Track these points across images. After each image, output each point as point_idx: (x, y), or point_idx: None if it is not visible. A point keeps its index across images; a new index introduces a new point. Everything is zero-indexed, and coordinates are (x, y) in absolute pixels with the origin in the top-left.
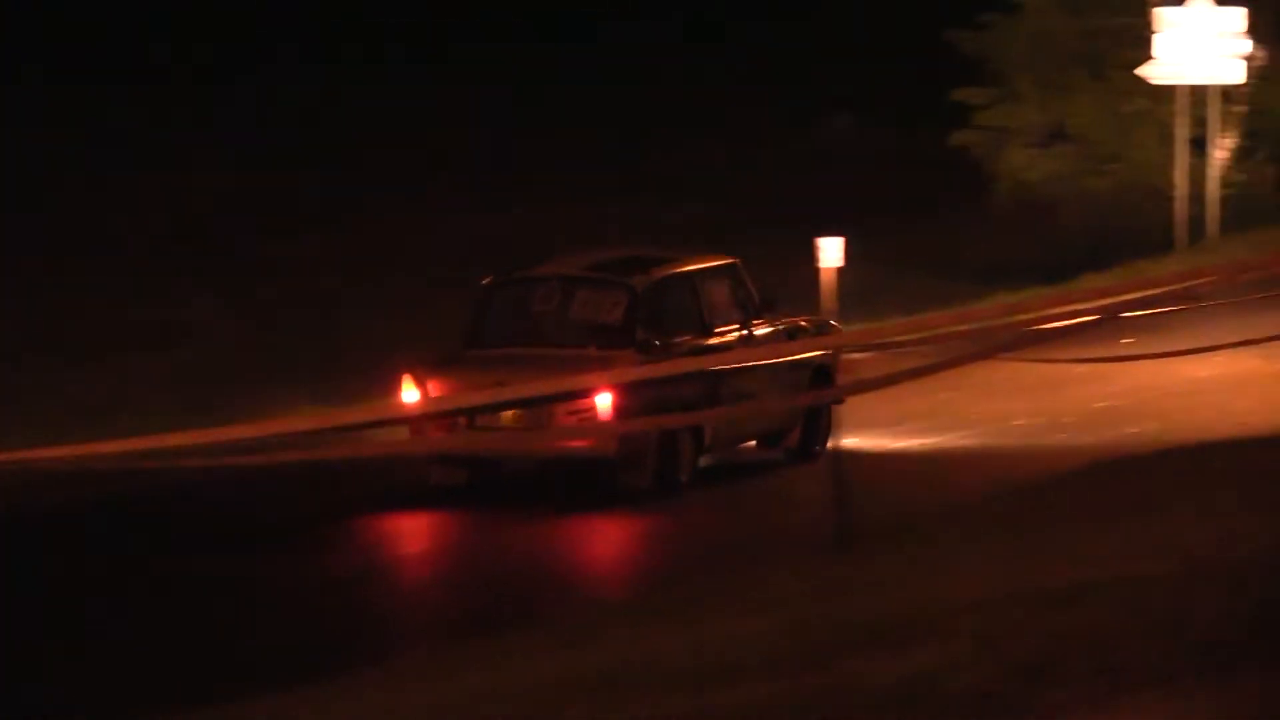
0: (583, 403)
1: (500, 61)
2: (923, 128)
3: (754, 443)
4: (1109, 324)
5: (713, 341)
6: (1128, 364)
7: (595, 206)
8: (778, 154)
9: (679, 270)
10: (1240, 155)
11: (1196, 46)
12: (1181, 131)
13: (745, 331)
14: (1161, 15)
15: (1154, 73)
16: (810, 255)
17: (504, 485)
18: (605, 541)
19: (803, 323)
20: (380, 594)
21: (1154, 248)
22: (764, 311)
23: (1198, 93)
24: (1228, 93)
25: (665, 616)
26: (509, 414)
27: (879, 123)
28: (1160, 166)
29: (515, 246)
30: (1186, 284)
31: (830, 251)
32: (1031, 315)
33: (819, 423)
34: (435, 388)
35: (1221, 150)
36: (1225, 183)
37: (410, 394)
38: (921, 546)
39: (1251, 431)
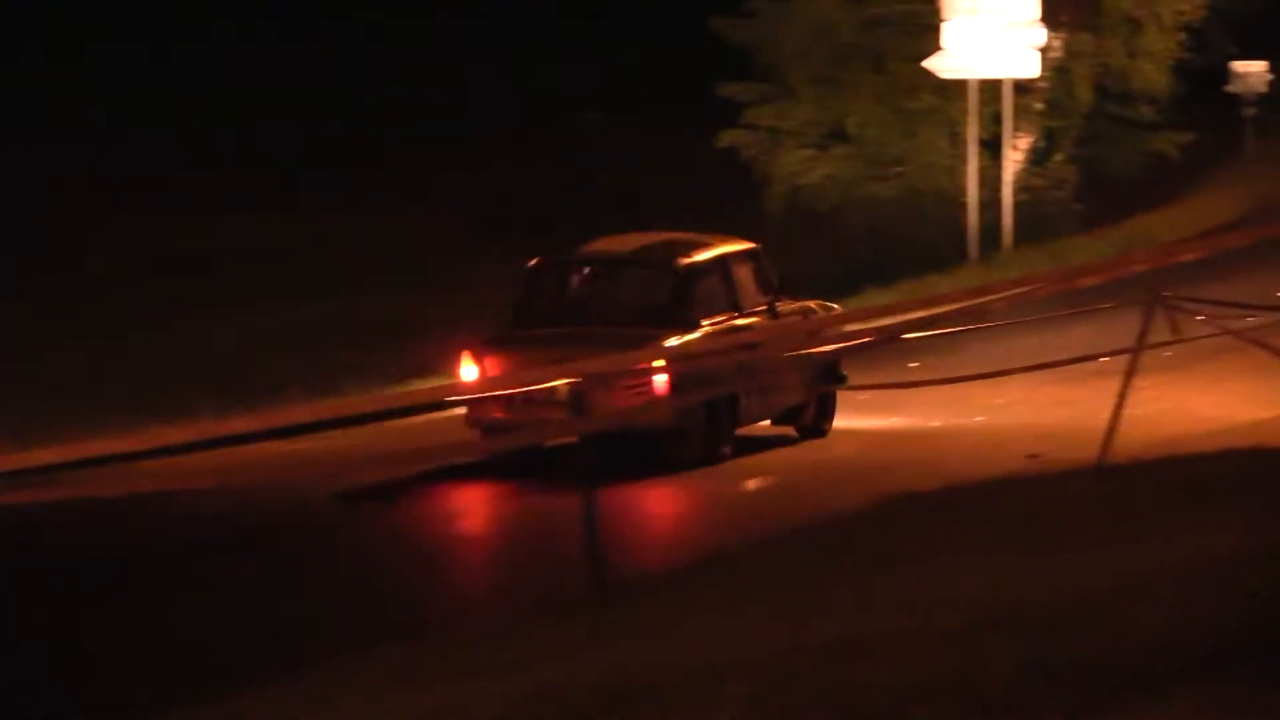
0: (641, 378)
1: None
2: (688, 127)
3: (768, 421)
4: (893, 345)
5: (747, 321)
6: (918, 390)
7: (305, 219)
8: (519, 155)
9: (714, 254)
10: (1037, 157)
11: (988, 37)
12: (972, 131)
13: (772, 312)
14: (950, 2)
15: (942, 66)
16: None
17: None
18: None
19: (812, 305)
20: None
21: (944, 260)
22: (783, 293)
23: (990, 88)
24: (1023, 87)
25: (400, 678)
26: (565, 389)
27: (638, 121)
28: (950, 170)
29: (213, 263)
30: (984, 299)
31: None
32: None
33: (828, 401)
34: (493, 365)
35: (1017, 151)
36: (1021, 188)
37: (469, 371)
38: (688, 595)
39: (1043, 466)
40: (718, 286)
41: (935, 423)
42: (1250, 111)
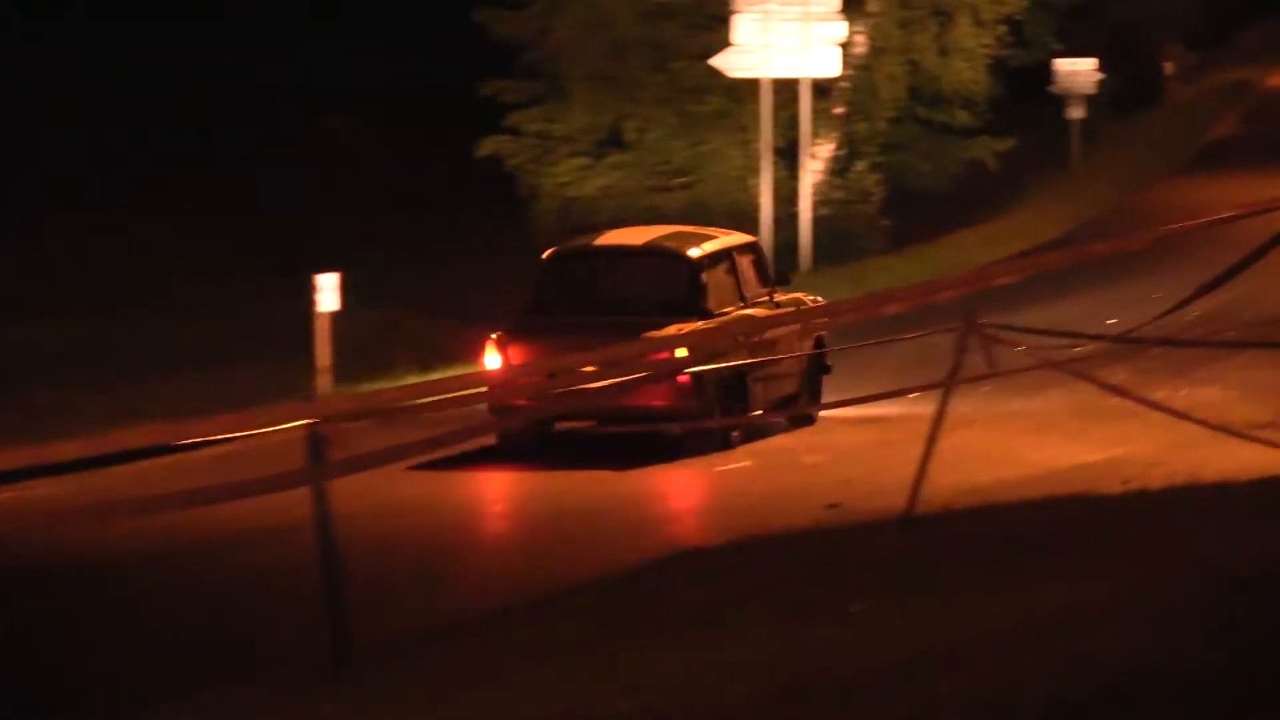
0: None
1: None
2: (451, 128)
3: (759, 411)
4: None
5: (753, 311)
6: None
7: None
8: (265, 163)
9: (722, 246)
10: (839, 167)
11: (783, 31)
12: (766, 138)
13: (771, 303)
14: None
15: (731, 64)
16: (295, 293)
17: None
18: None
19: (802, 297)
20: None
21: None
22: (779, 285)
23: (786, 89)
24: (822, 88)
25: None
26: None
27: (391, 123)
28: (741, 181)
29: None
30: (772, 328)
31: (328, 292)
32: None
33: (818, 391)
34: (516, 353)
35: (816, 160)
36: (821, 201)
37: (493, 358)
38: (447, 663)
39: (844, 516)
40: (726, 278)
41: (729, 465)
42: (1077, 114)
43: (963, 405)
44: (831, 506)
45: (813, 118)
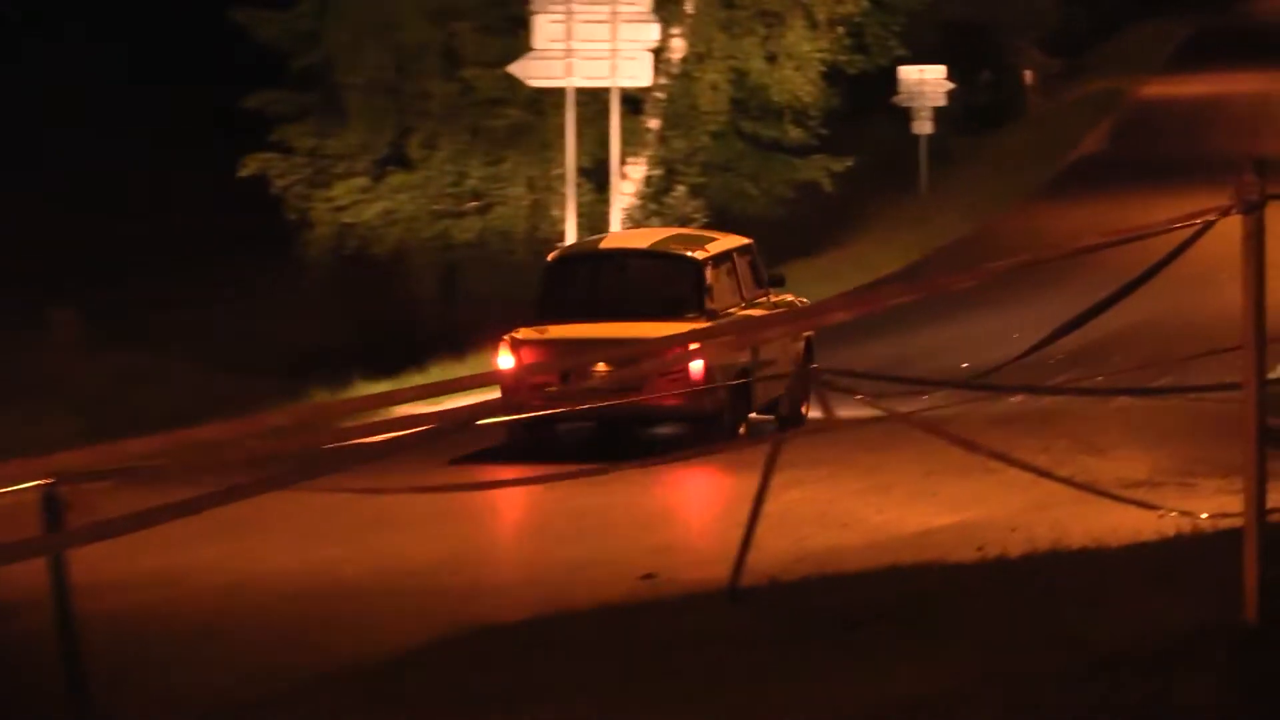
0: (678, 365)
1: None
2: (209, 146)
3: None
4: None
5: (754, 312)
6: (485, 493)
7: None
8: None
9: (725, 248)
10: (655, 190)
11: (589, 35)
12: (571, 156)
13: (770, 303)
14: None
15: (531, 72)
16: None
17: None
18: None
19: (792, 299)
20: None
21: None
22: (773, 286)
23: (594, 101)
24: (635, 100)
25: None
26: (601, 374)
27: (135, 136)
28: (543, 206)
29: None
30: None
31: (63, 326)
32: (354, 424)
33: (808, 391)
34: (528, 354)
35: (628, 182)
36: (636, 227)
37: (505, 360)
38: None
39: (660, 589)
40: (729, 279)
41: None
42: (925, 129)
43: (795, 459)
44: (646, 578)
45: (623, 134)
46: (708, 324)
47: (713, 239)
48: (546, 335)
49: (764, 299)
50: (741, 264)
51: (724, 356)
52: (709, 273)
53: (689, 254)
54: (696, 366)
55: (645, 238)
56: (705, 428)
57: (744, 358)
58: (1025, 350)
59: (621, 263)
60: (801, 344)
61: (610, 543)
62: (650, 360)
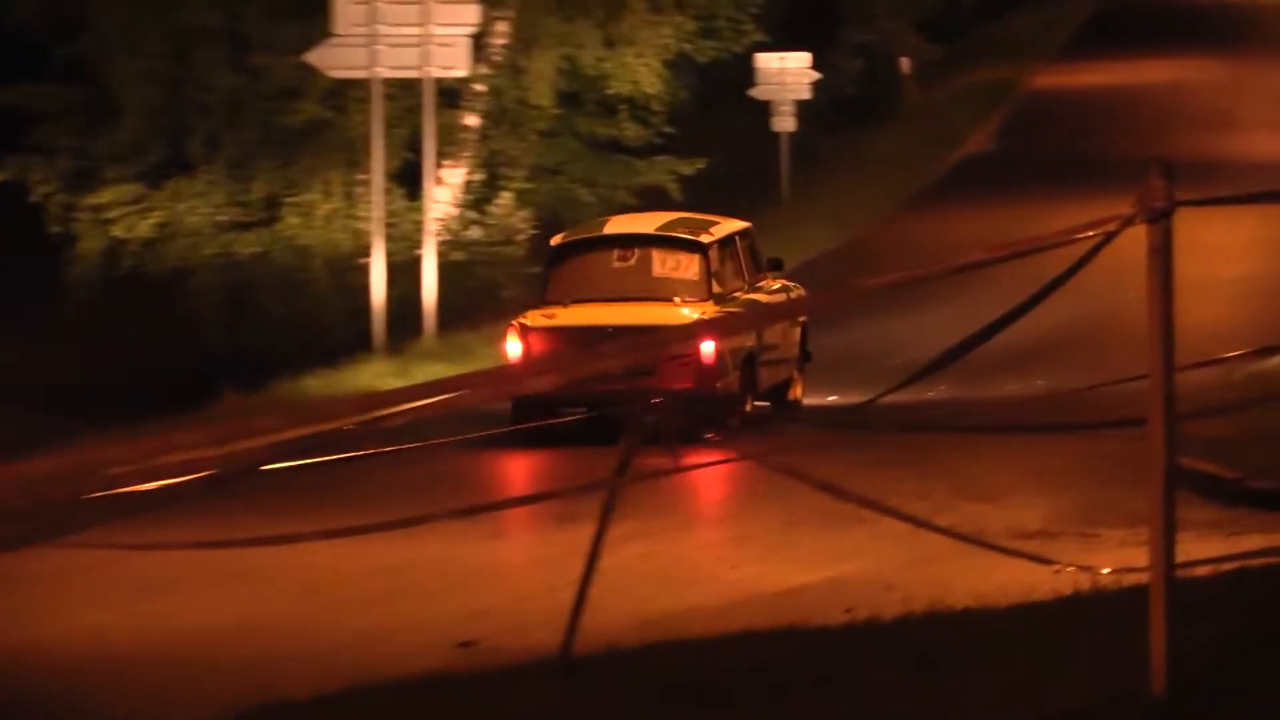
0: (689, 349)
1: None
2: None
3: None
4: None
5: (758, 296)
6: (290, 547)
7: None
8: None
9: (728, 231)
10: (476, 197)
11: (397, 16)
12: (378, 157)
13: (769, 288)
14: None
15: (330, 60)
16: None
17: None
18: None
19: (789, 283)
20: None
21: (336, 351)
22: (771, 270)
23: (405, 94)
24: (452, 93)
25: None
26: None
27: None
28: (346, 216)
29: None
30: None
31: None
32: (123, 469)
33: (803, 379)
34: (536, 340)
35: (444, 188)
36: (452, 243)
37: (514, 346)
38: None
39: (480, 658)
40: (732, 263)
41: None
42: (787, 126)
43: (636, 508)
44: (464, 645)
45: (439, 132)
46: (715, 308)
47: (715, 222)
48: (555, 321)
49: (764, 282)
50: (743, 247)
51: (733, 341)
52: (714, 256)
53: (695, 238)
54: (709, 350)
55: (650, 222)
56: (716, 410)
57: (750, 342)
58: (901, 381)
59: (627, 247)
60: (798, 329)
61: (422, 605)
62: (663, 345)
